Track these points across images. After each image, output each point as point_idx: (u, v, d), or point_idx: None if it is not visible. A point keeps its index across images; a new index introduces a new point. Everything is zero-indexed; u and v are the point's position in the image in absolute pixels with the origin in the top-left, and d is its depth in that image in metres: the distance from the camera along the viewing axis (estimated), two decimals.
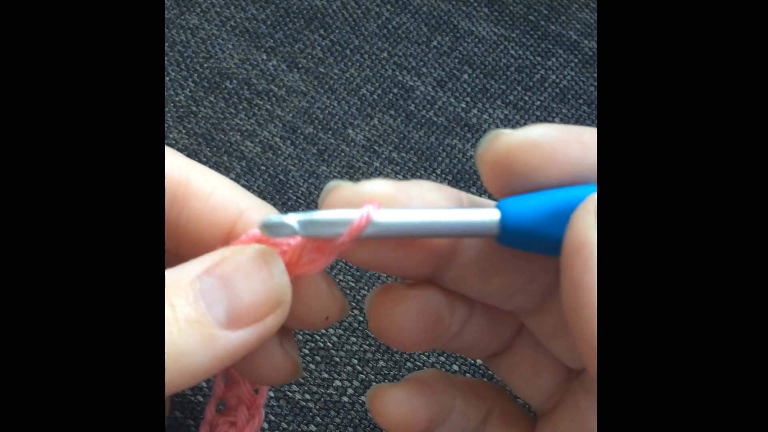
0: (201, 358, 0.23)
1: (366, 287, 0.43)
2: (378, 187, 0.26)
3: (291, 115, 0.49)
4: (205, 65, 0.51)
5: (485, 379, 0.32)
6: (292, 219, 0.25)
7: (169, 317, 0.23)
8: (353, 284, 0.43)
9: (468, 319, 0.29)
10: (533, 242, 0.25)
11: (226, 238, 0.28)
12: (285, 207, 0.46)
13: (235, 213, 0.28)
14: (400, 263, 0.27)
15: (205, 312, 0.23)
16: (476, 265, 0.27)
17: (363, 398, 0.40)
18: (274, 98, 0.50)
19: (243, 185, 0.47)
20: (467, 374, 0.40)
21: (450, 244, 0.27)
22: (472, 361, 0.41)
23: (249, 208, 0.28)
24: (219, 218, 0.28)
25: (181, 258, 0.26)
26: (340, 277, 0.43)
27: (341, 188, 0.26)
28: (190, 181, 0.28)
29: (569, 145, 0.25)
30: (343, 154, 0.48)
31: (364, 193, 0.25)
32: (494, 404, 0.32)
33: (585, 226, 0.22)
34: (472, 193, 0.42)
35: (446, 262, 0.27)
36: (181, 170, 0.29)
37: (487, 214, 0.25)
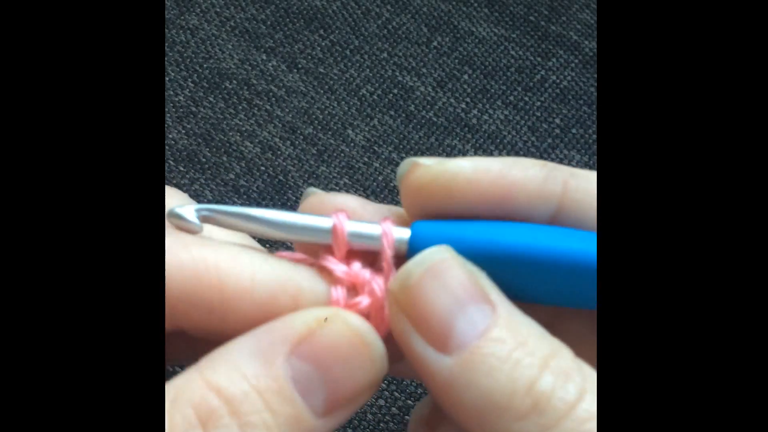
0: None
1: None
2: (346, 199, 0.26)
3: (291, 115, 0.49)
4: (205, 65, 0.51)
5: None
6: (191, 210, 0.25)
7: (269, 422, 0.21)
8: None
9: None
10: None
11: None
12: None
13: (289, 301, 0.24)
14: None
15: (302, 407, 0.22)
16: None
17: None
18: (273, 98, 0.50)
19: (242, 186, 0.47)
20: None
21: None
22: None
23: (301, 290, 0.24)
24: (271, 311, 0.24)
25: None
26: None
27: (315, 196, 0.26)
28: (223, 281, 0.24)
29: (486, 180, 0.24)
30: (342, 154, 0.48)
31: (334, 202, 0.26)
32: None
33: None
34: None
35: None
36: (207, 269, 0.23)
37: (397, 231, 0.25)
